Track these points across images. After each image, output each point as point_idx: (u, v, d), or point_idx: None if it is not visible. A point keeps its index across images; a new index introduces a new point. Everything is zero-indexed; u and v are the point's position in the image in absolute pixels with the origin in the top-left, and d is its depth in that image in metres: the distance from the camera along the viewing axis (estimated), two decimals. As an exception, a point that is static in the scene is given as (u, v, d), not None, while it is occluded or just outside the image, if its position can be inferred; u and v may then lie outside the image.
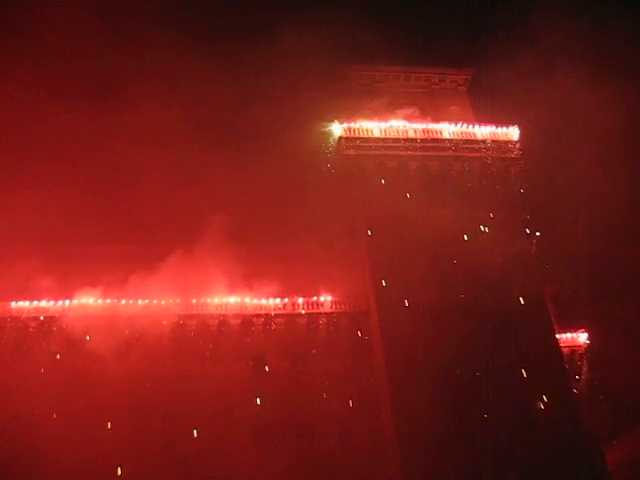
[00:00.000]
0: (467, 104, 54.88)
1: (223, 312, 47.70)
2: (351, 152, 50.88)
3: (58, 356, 45.05)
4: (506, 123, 51.57)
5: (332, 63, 54.80)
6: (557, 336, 47.50)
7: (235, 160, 51.27)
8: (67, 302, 46.71)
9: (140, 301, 46.84)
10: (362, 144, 51.05)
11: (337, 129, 51.37)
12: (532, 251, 49.19)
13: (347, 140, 51.06)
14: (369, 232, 48.24)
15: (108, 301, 46.82)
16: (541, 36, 52.63)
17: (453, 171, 50.73)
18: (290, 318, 47.99)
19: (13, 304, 46.67)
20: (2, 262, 44.56)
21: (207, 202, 49.84)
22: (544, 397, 43.33)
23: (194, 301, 47.78)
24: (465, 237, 47.72)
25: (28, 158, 51.34)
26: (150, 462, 42.19)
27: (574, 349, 49.81)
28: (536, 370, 43.89)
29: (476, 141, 51.40)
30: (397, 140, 51.22)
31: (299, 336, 47.72)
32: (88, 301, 46.79)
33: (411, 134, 51.46)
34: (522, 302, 45.72)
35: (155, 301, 46.95)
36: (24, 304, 46.82)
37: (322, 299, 48.81)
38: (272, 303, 48.20)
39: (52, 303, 46.76)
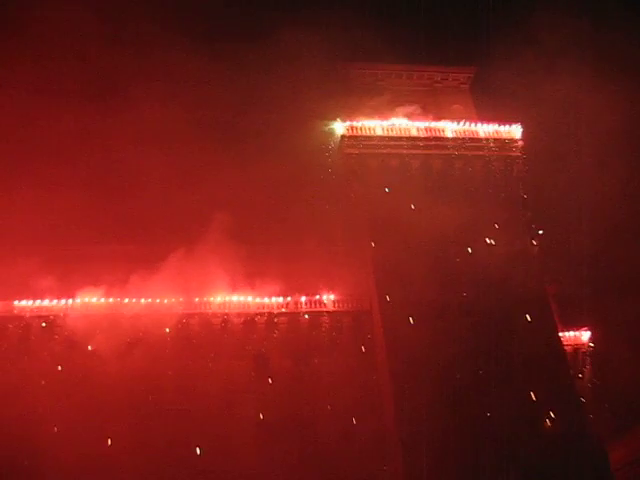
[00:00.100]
0: (470, 102, 54.87)
1: (226, 311, 47.65)
2: (353, 151, 50.87)
3: (61, 355, 44.96)
4: (509, 121, 51.53)
5: (334, 62, 54.89)
6: (560, 334, 47.52)
7: (237, 159, 51.27)
8: (70, 301, 46.66)
9: (143, 300, 46.80)
10: (364, 143, 51.02)
11: (339, 128, 51.37)
12: (535, 249, 49.16)
13: (349, 139, 51.05)
14: (372, 232, 48.22)
15: (111, 300, 46.78)
16: (544, 34, 52.60)
17: (455, 169, 50.74)
18: (293, 317, 47.97)
19: (16, 303, 46.65)
20: (4, 262, 44.55)
21: (209, 201, 49.85)
22: (547, 396, 43.20)
23: (197, 300, 47.77)
24: (467, 236, 47.63)
25: (29, 158, 51.30)
26: (153, 461, 42.10)
27: (577, 347, 49.73)
28: (539, 369, 43.75)
29: (479, 139, 51.36)
30: (399, 139, 51.19)
31: (302, 335, 47.69)
32: (91, 300, 46.75)
33: (413, 132, 51.45)
34: (525, 298, 45.56)
35: (158, 300, 46.92)
36: (27, 303, 46.77)
37: (325, 298, 48.79)
38: (275, 302, 48.20)
39: (55, 302, 46.71)
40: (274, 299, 48.26)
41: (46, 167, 50.16)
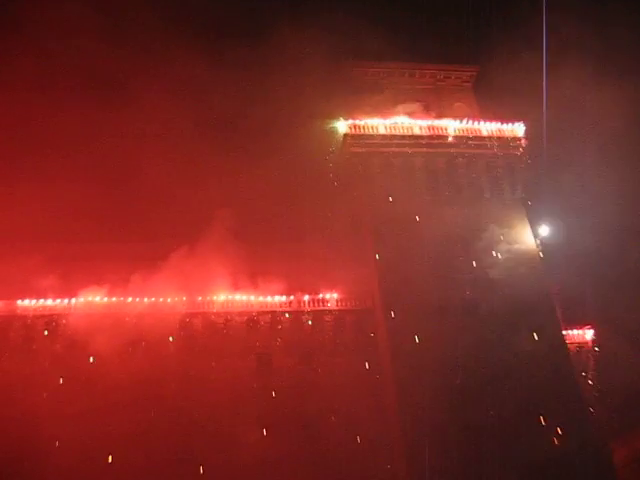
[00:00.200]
0: (472, 101, 54.79)
1: (229, 310, 47.68)
2: (356, 149, 50.82)
3: (64, 354, 44.99)
4: (512, 120, 51.45)
5: (337, 61, 54.83)
6: (564, 333, 47.48)
7: (240, 158, 51.30)
8: (73, 300, 46.69)
9: (146, 299, 46.84)
10: (367, 141, 50.97)
11: (342, 126, 51.31)
12: (538, 248, 49.11)
13: (352, 137, 51.00)
14: (375, 230, 48.23)
15: (114, 299, 46.81)
16: (547, 33, 52.47)
17: (458, 168, 50.68)
18: (296, 316, 48.00)
19: (19, 302, 46.72)
20: (7, 261, 44.55)
21: (212, 200, 49.88)
22: (550, 394, 43.16)
23: (200, 299, 47.79)
24: (470, 234, 47.58)
25: (32, 156, 51.37)
26: (156, 460, 42.13)
27: (581, 346, 49.71)
28: (543, 367, 43.75)
29: (481, 138, 51.29)
30: (402, 137, 51.15)
31: (305, 334, 47.72)
32: (94, 299, 46.76)
33: (416, 131, 51.37)
34: (528, 297, 45.44)
35: (161, 299, 46.94)
36: (30, 303, 46.82)
37: (328, 296, 48.81)
38: (278, 301, 48.21)
39: (58, 301, 46.74)
40: (277, 298, 48.27)
41: (49, 165, 50.29)
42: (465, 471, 40.49)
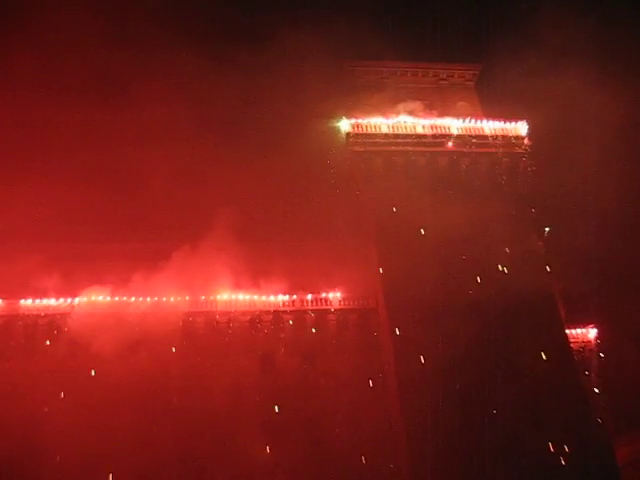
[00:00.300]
0: (475, 100, 54.73)
1: (231, 309, 47.72)
2: (359, 148, 50.82)
3: (67, 354, 45.02)
4: (515, 118, 51.36)
5: (339, 60, 54.80)
6: (567, 331, 47.44)
7: (243, 157, 51.31)
8: (76, 300, 46.76)
9: (149, 299, 46.90)
10: (370, 140, 50.97)
11: (345, 125, 51.29)
12: (541, 247, 49.06)
13: (355, 136, 50.99)
14: (378, 229, 48.21)
15: (117, 299, 46.86)
16: (549, 31, 52.44)
17: (461, 167, 50.62)
18: (299, 315, 48.02)
19: (22, 302, 46.79)
20: (9, 260, 44.66)
21: (215, 200, 49.89)
22: (554, 392, 43.13)
23: (202, 298, 47.84)
24: (473, 233, 47.50)
25: (34, 156, 51.43)
26: (159, 459, 42.23)
27: (584, 345, 49.65)
28: (546, 365, 43.72)
29: (484, 137, 51.24)
30: (405, 136, 51.15)
31: (308, 333, 47.75)
32: (97, 299, 46.83)
33: (419, 130, 51.35)
34: (531, 295, 45.38)
35: (164, 298, 46.99)
36: (32, 302, 46.87)
37: (331, 296, 48.82)
38: (281, 300, 48.24)
39: (62, 301, 46.83)
40: (280, 297, 48.30)
41: (50, 165, 50.33)
42: (468, 470, 40.44)
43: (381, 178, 49.92)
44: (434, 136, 51.15)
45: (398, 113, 52.00)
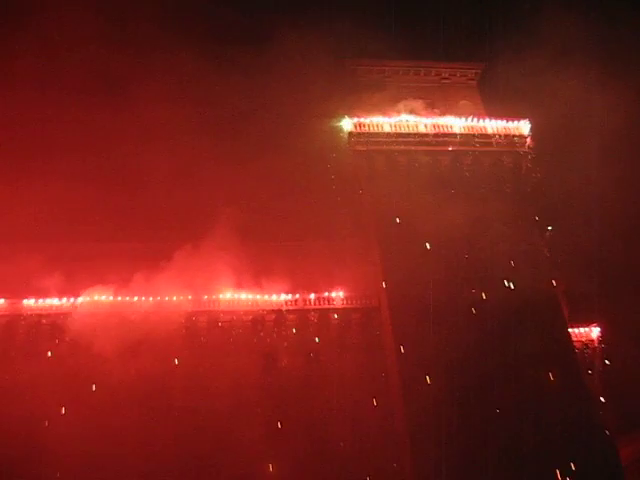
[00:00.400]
0: (477, 98, 54.66)
1: (234, 309, 47.71)
2: (361, 147, 50.81)
3: (69, 354, 45.01)
4: (517, 117, 51.32)
5: (341, 59, 54.78)
6: (570, 330, 47.40)
7: (245, 157, 51.31)
8: (79, 299, 46.77)
9: (151, 298, 46.88)
10: (372, 139, 50.93)
11: (347, 125, 51.24)
12: (544, 246, 49.02)
13: (357, 135, 50.95)
14: (380, 228, 48.21)
15: (119, 298, 46.85)
16: (552, 30, 52.39)
17: (463, 166, 50.59)
18: (301, 314, 48.02)
19: (25, 302, 46.79)
20: (11, 260, 44.68)
21: (217, 199, 49.89)
22: (557, 391, 43.09)
23: (205, 298, 47.83)
24: (476, 232, 47.49)
25: (35, 155, 51.45)
26: (161, 459, 42.23)
27: (587, 344, 49.61)
28: (548, 364, 43.68)
29: (487, 135, 51.18)
30: (407, 135, 51.08)
31: (311, 332, 47.75)
32: (100, 298, 46.82)
33: (421, 129, 51.28)
34: (534, 294, 45.37)
35: (167, 298, 46.99)
36: (34, 302, 46.87)
37: (333, 295, 48.82)
38: (283, 299, 48.23)
39: (64, 300, 46.83)
40: (283, 296, 48.28)
41: (52, 165, 50.30)
42: (471, 469, 40.43)
43: (383, 177, 49.88)
44: (436, 135, 51.08)
45: (400, 112, 51.98)
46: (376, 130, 51.08)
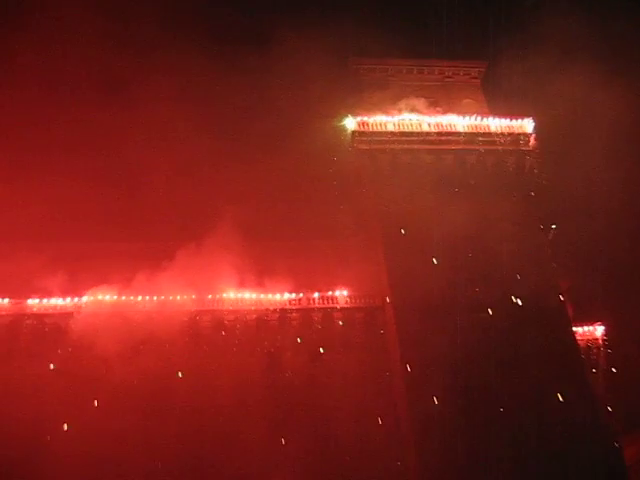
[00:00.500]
0: (481, 97, 54.64)
1: (238, 308, 47.67)
2: (364, 146, 50.73)
3: (72, 354, 44.92)
4: (521, 115, 51.24)
5: (344, 58, 54.78)
6: (574, 329, 47.34)
7: (247, 156, 51.34)
8: (84, 299, 46.75)
9: (155, 298, 46.88)
10: (375, 138, 50.85)
11: (350, 123, 51.16)
12: (548, 244, 48.95)
13: (360, 134, 50.86)
14: (384, 227, 48.19)
15: (123, 298, 46.85)
16: (556, 27, 52.32)
17: (467, 164, 50.54)
18: (305, 313, 47.99)
19: (28, 302, 46.80)
20: (14, 260, 44.70)
21: (220, 199, 49.91)
22: (561, 391, 43.02)
23: (209, 297, 47.81)
24: (480, 231, 47.43)
25: (39, 155, 51.54)
26: (165, 458, 42.16)
27: (591, 342, 49.54)
28: (553, 364, 43.63)
29: (490, 134, 51.11)
30: (410, 134, 51.00)
31: (314, 331, 47.70)
32: (103, 298, 46.79)
33: (424, 128, 51.20)
34: (538, 293, 45.33)
35: (170, 297, 46.98)
36: (37, 302, 46.80)
37: (337, 294, 48.77)
38: (287, 298, 48.19)
39: (69, 300, 46.84)
40: (286, 295, 48.24)
41: (55, 164, 50.39)
42: (475, 467, 40.44)
43: (387, 176, 49.83)
44: (440, 134, 51.02)
45: (403, 111, 51.92)
46: (379, 129, 51.01)
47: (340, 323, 48.00)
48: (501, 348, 43.29)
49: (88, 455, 40.87)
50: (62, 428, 42.03)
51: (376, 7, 58.01)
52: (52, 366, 44.46)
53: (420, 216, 47.23)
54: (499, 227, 47.42)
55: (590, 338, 49.54)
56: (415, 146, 50.68)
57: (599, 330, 50.04)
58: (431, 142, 50.94)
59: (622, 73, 50.04)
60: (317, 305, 48.29)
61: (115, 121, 52.23)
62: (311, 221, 50.20)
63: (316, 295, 48.43)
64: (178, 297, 47.16)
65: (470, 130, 51.11)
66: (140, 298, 46.70)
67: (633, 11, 53.34)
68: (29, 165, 50.28)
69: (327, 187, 51.12)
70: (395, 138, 50.87)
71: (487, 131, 51.24)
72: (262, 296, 48.10)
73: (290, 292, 48.30)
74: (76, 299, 46.78)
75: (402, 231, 47.17)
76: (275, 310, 47.84)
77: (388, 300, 46.91)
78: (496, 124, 51.40)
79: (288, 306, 48.07)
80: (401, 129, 51.05)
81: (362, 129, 50.98)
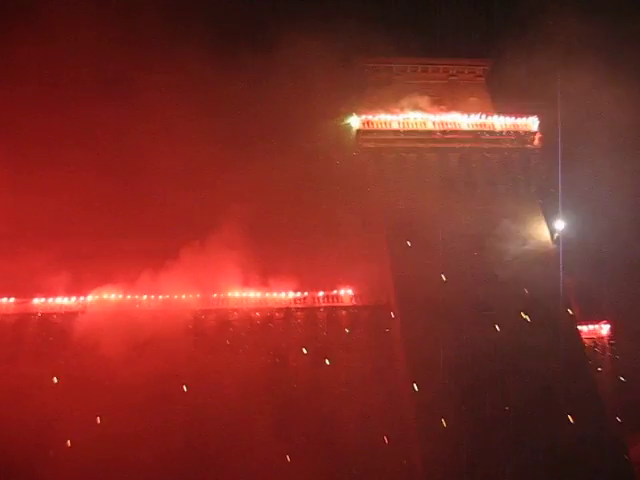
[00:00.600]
0: (486, 95, 54.51)
1: (243, 306, 47.69)
2: (369, 145, 50.81)
3: (77, 353, 44.97)
4: (526, 114, 51.19)
5: (349, 57, 54.71)
6: (579, 328, 47.26)
7: (252, 155, 51.26)
8: (89, 297, 46.82)
9: (160, 297, 46.90)
10: (380, 137, 50.92)
11: (355, 122, 51.24)
12: (553, 243, 48.89)
13: (365, 133, 50.95)
14: (389, 226, 48.16)
15: (128, 297, 46.90)
16: (561, 25, 52.24)
17: (472, 163, 50.52)
18: (310, 312, 48.00)
19: (35, 301, 46.86)
20: (18, 258, 44.78)
21: (226, 198, 49.82)
22: (566, 390, 42.95)
23: (214, 296, 47.82)
24: (485, 229, 47.41)
25: (43, 153, 51.49)
26: (170, 457, 42.13)
27: (596, 341, 49.47)
28: (558, 362, 43.54)
29: (495, 132, 51.11)
30: (415, 132, 51.06)
31: (319, 329, 47.72)
32: (108, 297, 46.88)
33: (429, 126, 51.25)
34: (543, 291, 45.25)
35: (175, 296, 47.01)
36: (42, 301, 46.92)
37: (342, 293, 48.77)
38: (292, 297, 48.19)
39: (73, 299, 46.88)
40: (291, 294, 48.25)
41: (61, 163, 50.36)
42: (480, 466, 40.39)
43: (392, 175, 49.87)
44: (444, 132, 51.04)
45: (408, 109, 51.91)
46: (384, 127, 51.06)
47: (345, 322, 47.97)
48: (506, 346, 43.26)
49: (93, 454, 40.87)
50: (67, 428, 41.96)
51: (380, 6, 57.81)
52: (58, 365, 44.49)
53: (425, 214, 47.23)
54: (504, 225, 47.43)
55: (596, 336, 49.45)
56: (420, 145, 50.72)
57: (605, 329, 49.96)
58: (436, 141, 50.98)
59: (629, 71, 49.93)
60: (322, 304, 48.31)
61: (121, 120, 52.24)
62: (316, 220, 50.14)
63: (321, 294, 48.47)
64: (183, 296, 47.24)
65: (475, 128, 51.13)
66: (145, 297, 46.77)
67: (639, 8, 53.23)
68: (34, 163, 50.27)
69: (332, 186, 51.03)
70: (400, 137, 50.95)
71: (492, 129, 51.22)
72: (267, 295, 48.13)
73: (295, 291, 48.35)
74: (81, 298, 46.86)
75: (407, 229, 47.11)
76: (280, 309, 47.88)
77: (393, 299, 46.87)
78: (501, 122, 51.38)
79: (293, 305, 48.09)
80: (406, 127, 51.09)
81: (367, 128, 51.04)
